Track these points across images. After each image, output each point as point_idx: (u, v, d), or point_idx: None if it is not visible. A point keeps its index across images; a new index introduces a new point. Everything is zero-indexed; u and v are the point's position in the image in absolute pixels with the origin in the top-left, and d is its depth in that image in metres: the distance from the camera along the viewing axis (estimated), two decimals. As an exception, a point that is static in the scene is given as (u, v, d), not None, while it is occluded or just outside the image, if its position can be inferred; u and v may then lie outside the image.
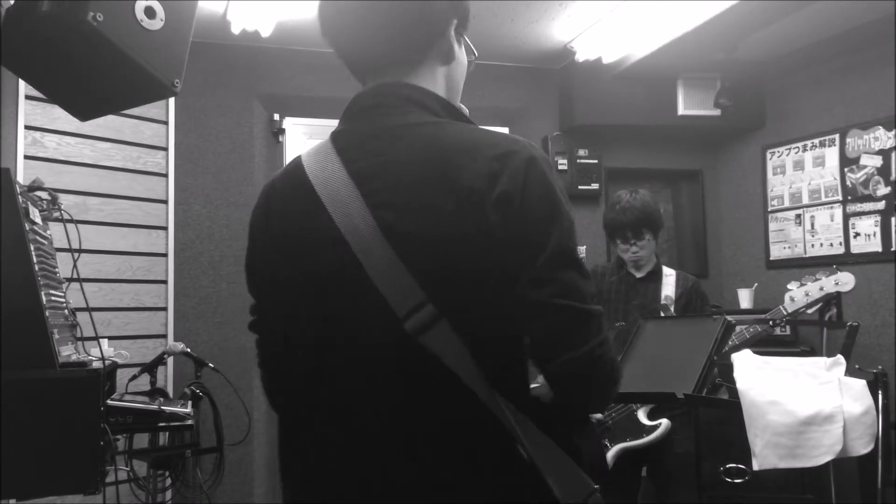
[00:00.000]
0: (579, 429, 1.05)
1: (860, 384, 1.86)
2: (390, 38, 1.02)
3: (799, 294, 2.32)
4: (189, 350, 2.62)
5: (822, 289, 2.29)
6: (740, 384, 1.94)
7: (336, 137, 1.03)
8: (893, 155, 3.47)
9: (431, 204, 0.90)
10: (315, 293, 0.97)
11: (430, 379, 0.91)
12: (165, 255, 3.27)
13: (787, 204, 3.98)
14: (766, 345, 2.93)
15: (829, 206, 3.76)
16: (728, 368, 1.98)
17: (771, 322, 2.32)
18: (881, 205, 3.52)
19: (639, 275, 2.78)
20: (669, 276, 2.78)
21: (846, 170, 3.68)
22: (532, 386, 1.04)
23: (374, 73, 1.06)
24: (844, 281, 2.26)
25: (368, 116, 1.02)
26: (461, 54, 1.11)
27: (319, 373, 0.97)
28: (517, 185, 0.89)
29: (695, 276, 2.91)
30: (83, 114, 1.79)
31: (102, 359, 1.85)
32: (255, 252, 1.09)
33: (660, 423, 2.43)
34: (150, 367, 2.54)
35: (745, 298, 3.91)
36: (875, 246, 3.53)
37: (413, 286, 0.89)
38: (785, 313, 2.33)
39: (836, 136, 3.73)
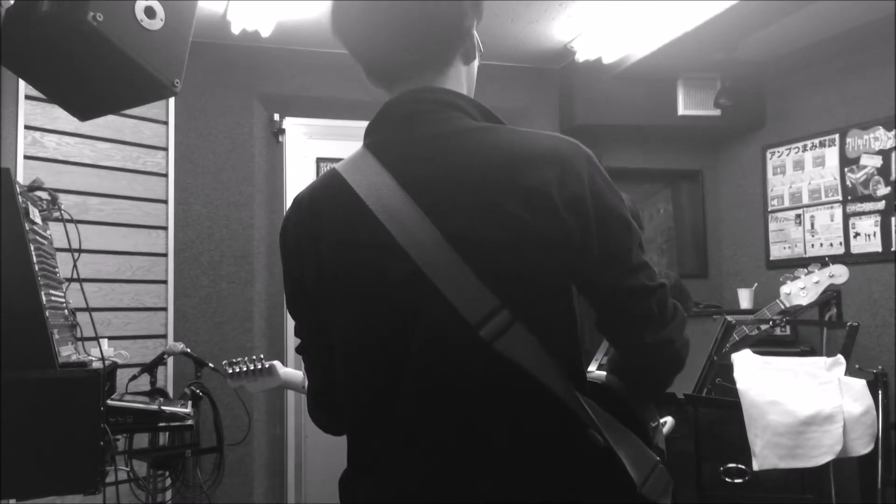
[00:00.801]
0: (644, 408, 1.09)
1: (860, 384, 1.86)
2: (421, 43, 0.99)
3: (794, 288, 2.32)
4: (189, 350, 2.62)
5: (817, 282, 2.29)
6: (740, 384, 1.94)
7: (375, 148, 0.99)
8: (893, 155, 3.47)
9: (498, 209, 0.90)
10: (381, 308, 0.95)
11: (506, 382, 0.91)
12: (165, 255, 3.27)
13: (787, 204, 3.98)
14: (766, 345, 2.93)
15: (829, 206, 3.76)
16: (728, 368, 1.98)
17: (771, 322, 2.31)
18: (881, 205, 3.52)
19: None
20: None
21: (846, 170, 3.68)
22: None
23: (401, 79, 1.02)
24: (838, 273, 2.26)
25: (408, 125, 0.99)
26: (477, 51, 1.09)
27: (391, 386, 0.95)
28: (583, 185, 0.92)
29: (676, 275, 2.90)
30: (83, 114, 1.79)
31: (102, 359, 1.85)
32: (304, 269, 1.02)
33: (665, 422, 2.43)
34: (150, 367, 2.54)
35: (745, 298, 3.91)
36: (875, 246, 3.53)
37: (485, 293, 0.89)
38: (783, 307, 2.33)
39: (836, 136, 3.73)
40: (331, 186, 1.01)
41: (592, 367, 2.47)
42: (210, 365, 2.62)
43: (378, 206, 0.93)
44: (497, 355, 0.89)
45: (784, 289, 2.34)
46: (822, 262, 2.33)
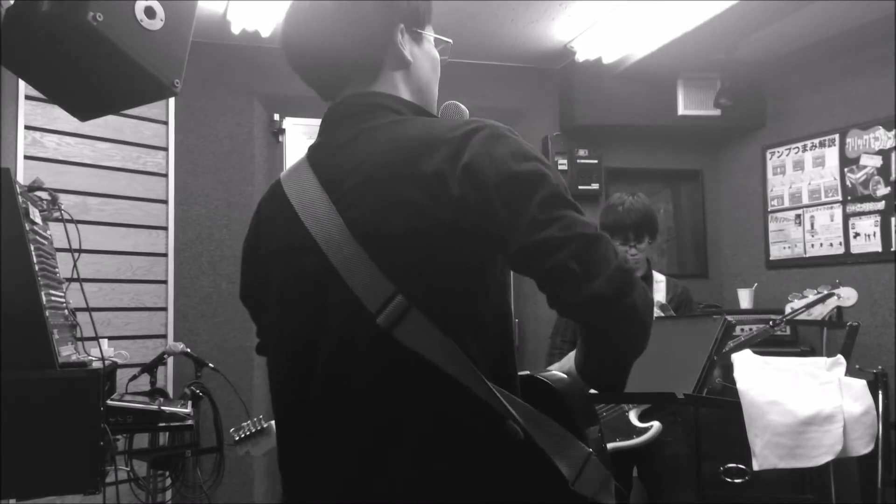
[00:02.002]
0: (611, 389, 1.00)
1: (860, 384, 1.86)
2: (338, 64, 1.06)
3: (800, 306, 2.32)
4: (189, 350, 2.62)
5: (824, 303, 2.28)
6: (740, 384, 1.94)
7: (310, 152, 1.06)
8: (893, 155, 3.47)
9: (395, 196, 0.91)
10: (298, 301, 0.99)
11: (410, 373, 0.91)
12: (165, 255, 3.27)
13: (787, 204, 3.98)
14: (766, 345, 2.93)
15: (829, 206, 3.76)
16: (728, 368, 1.98)
17: (771, 322, 2.31)
18: (881, 205, 3.52)
19: None
20: (660, 283, 2.78)
21: (846, 170, 3.68)
22: (524, 372, 1.05)
23: (340, 92, 1.09)
24: (847, 295, 2.25)
25: (339, 126, 1.04)
26: (423, 52, 1.11)
27: (306, 379, 0.98)
28: (483, 154, 0.90)
29: (683, 284, 2.91)
30: (83, 114, 1.79)
31: (102, 359, 1.85)
32: (249, 275, 1.13)
33: (651, 426, 2.44)
34: (150, 367, 2.54)
35: (745, 298, 3.91)
36: (875, 246, 3.53)
37: (382, 280, 0.90)
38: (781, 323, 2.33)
39: (836, 136, 3.73)
40: (272, 193, 1.09)
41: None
42: (210, 365, 2.62)
43: (298, 203, 0.99)
44: (398, 345, 0.89)
45: (790, 306, 2.33)
46: (832, 282, 2.31)
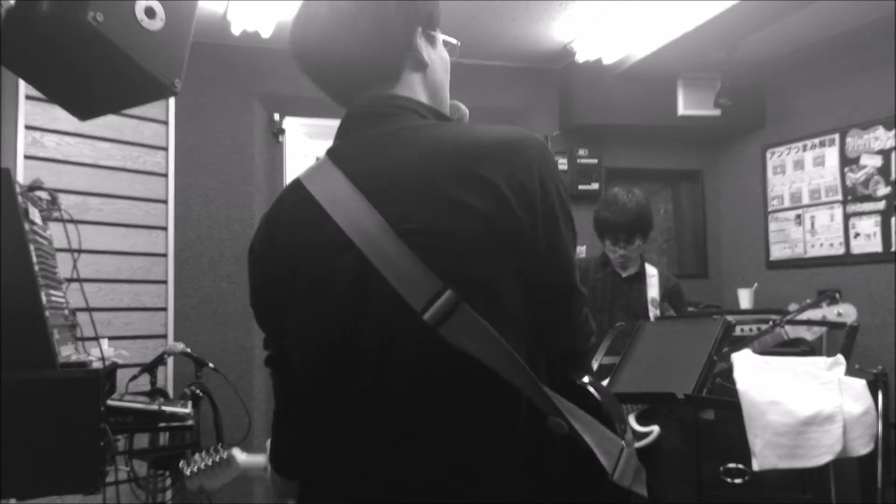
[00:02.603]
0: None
1: (860, 384, 1.86)
2: (358, 67, 1.05)
3: (798, 321, 2.32)
4: (189, 350, 2.62)
5: (823, 317, 2.28)
6: (740, 384, 1.94)
7: (333, 152, 1.04)
8: (893, 155, 3.47)
9: (441, 194, 0.90)
10: (330, 301, 0.95)
11: (452, 369, 0.90)
12: (165, 255, 3.27)
13: (787, 204, 3.98)
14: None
15: (829, 206, 3.76)
16: (728, 368, 1.98)
17: (771, 322, 2.31)
18: (881, 205, 3.52)
19: (624, 274, 2.78)
20: (653, 277, 2.78)
21: (846, 170, 3.68)
22: None
23: (359, 95, 1.08)
24: (846, 312, 2.24)
25: (363, 127, 1.03)
26: (437, 54, 1.11)
27: (343, 378, 0.95)
28: (533, 176, 0.93)
29: (675, 276, 2.91)
30: (83, 114, 1.79)
31: (102, 359, 1.85)
32: (265, 278, 1.07)
33: (651, 430, 2.43)
34: (150, 368, 2.54)
35: (745, 298, 3.91)
36: (875, 246, 3.53)
37: (429, 276, 0.88)
38: (785, 337, 2.33)
39: (836, 136, 3.73)
40: (291, 194, 1.05)
41: (593, 365, 2.46)
42: (210, 365, 2.62)
43: (327, 200, 0.96)
44: (442, 342, 0.88)
45: (788, 321, 2.33)
46: (833, 297, 2.31)
